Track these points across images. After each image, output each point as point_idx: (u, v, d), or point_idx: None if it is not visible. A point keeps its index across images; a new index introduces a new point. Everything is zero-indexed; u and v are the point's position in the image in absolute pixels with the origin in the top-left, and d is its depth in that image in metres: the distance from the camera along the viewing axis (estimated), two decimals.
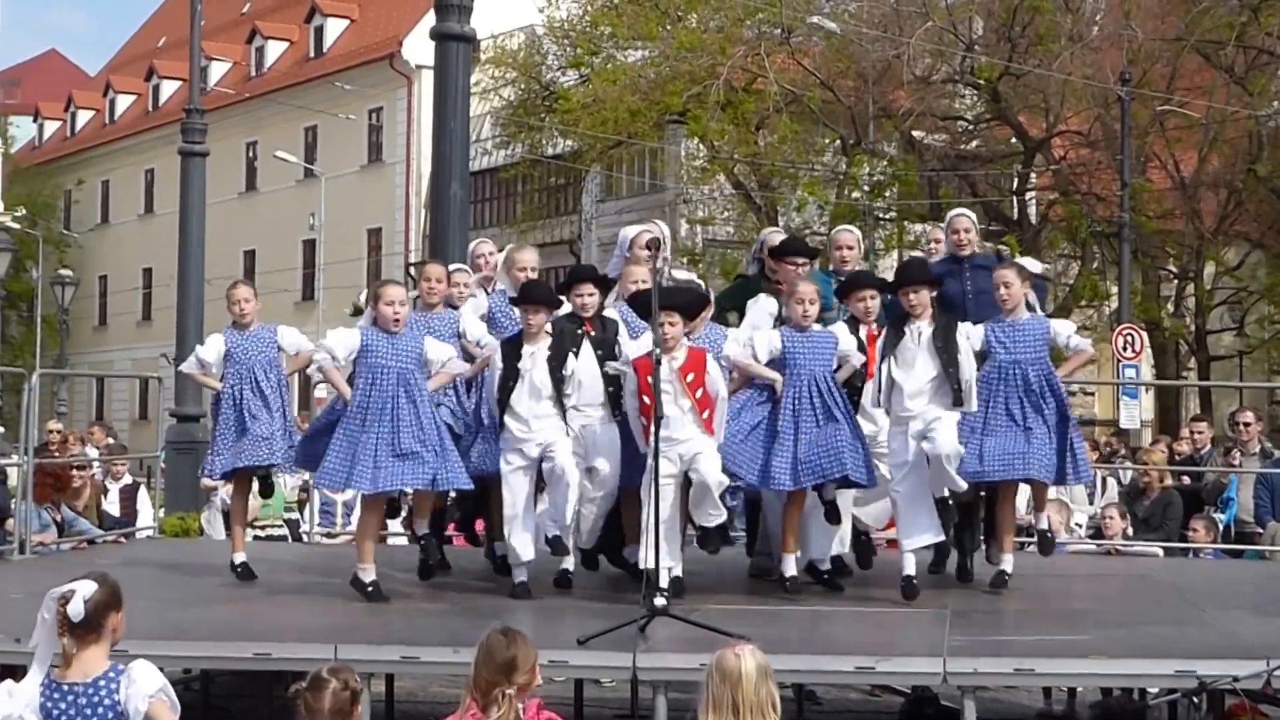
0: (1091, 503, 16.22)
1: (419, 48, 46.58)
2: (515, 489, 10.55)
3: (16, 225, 45.59)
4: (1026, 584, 11.21)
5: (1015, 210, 38.64)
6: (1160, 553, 14.67)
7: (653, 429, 9.54)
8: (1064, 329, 10.97)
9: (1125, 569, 13.32)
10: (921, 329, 10.47)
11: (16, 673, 6.18)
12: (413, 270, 45.58)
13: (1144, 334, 31.63)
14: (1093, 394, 47.09)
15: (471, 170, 40.38)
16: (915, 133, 37.28)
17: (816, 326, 10.66)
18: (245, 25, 62.03)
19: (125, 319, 65.33)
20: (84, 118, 71.67)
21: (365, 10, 57.47)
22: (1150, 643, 9.17)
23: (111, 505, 16.61)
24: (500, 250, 12.19)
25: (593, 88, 39.80)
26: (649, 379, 9.75)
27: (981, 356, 10.71)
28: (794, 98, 36.27)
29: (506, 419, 10.50)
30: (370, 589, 10.48)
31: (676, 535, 10.33)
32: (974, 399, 10.46)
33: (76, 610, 5.76)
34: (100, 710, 5.75)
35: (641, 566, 9.92)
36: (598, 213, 46.44)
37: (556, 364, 10.47)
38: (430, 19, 15.19)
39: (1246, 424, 15.65)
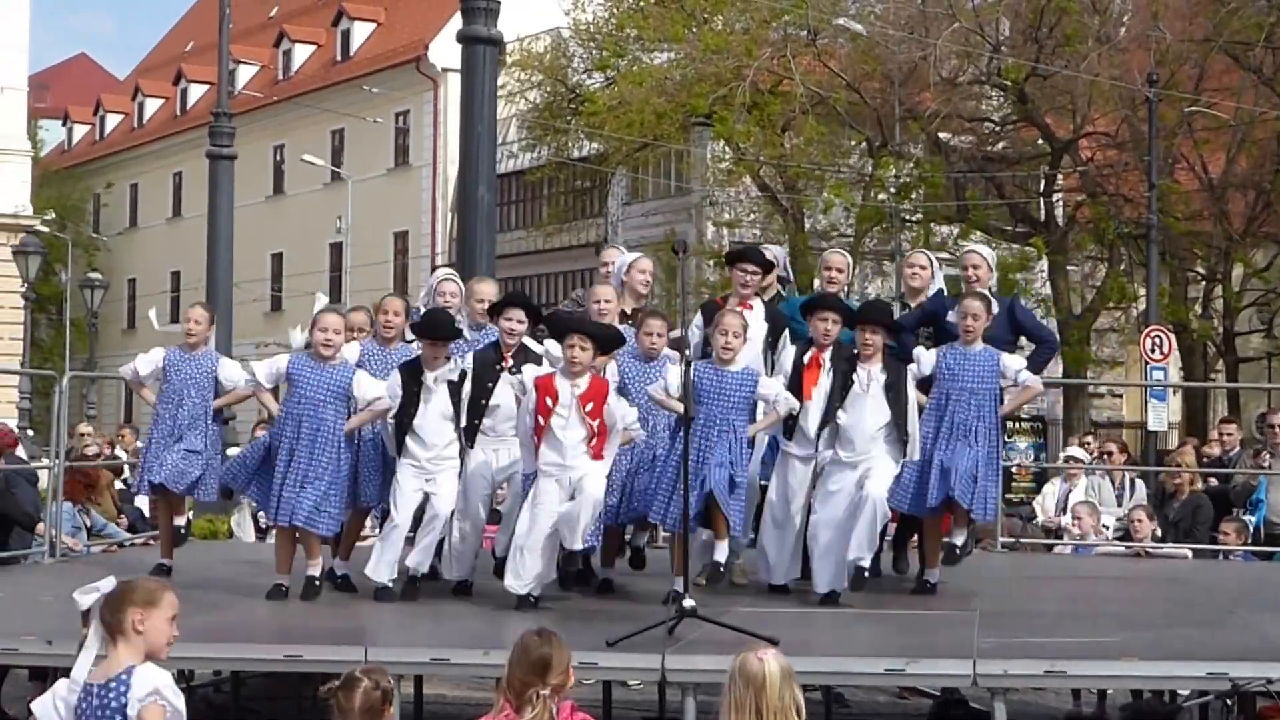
0: (1120, 505, 16.19)
1: (445, 51, 46.61)
2: (404, 506, 10.50)
3: (46, 228, 45.72)
4: (1055, 586, 11.21)
5: (1042, 212, 38.52)
6: (1190, 555, 14.63)
7: (684, 433, 9.50)
8: (1014, 363, 10.82)
9: (1154, 571, 13.28)
10: (872, 373, 10.39)
11: (50, 674, 6.23)
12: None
13: (1172, 336, 31.48)
14: (1120, 396, 47.01)
15: (498, 173, 40.34)
16: (942, 134, 37.17)
17: (738, 365, 10.30)
18: (273, 29, 62.18)
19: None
20: (113, 121, 71.94)
21: (392, 14, 57.57)
22: (1182, 645, 9.15)
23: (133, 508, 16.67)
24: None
25: (618, 90, 39.80)
26: (547, 400, 9.78)
27: (929, 381, 10.67)
28: (820, 99, 36.21)
29: (408, 440, 10.47)
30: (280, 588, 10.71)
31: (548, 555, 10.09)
32: (917, 450, 10.44)
33: (83, 601, 5.79)
34: (107, 712, 5.73)
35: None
36: (623, 215, 46.48)
37: (477, 395, 10.49)
38: (456, 22, 15.18)
39: (1275, 426, 15.59)
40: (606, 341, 10.21)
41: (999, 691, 8.36)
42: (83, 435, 19.23)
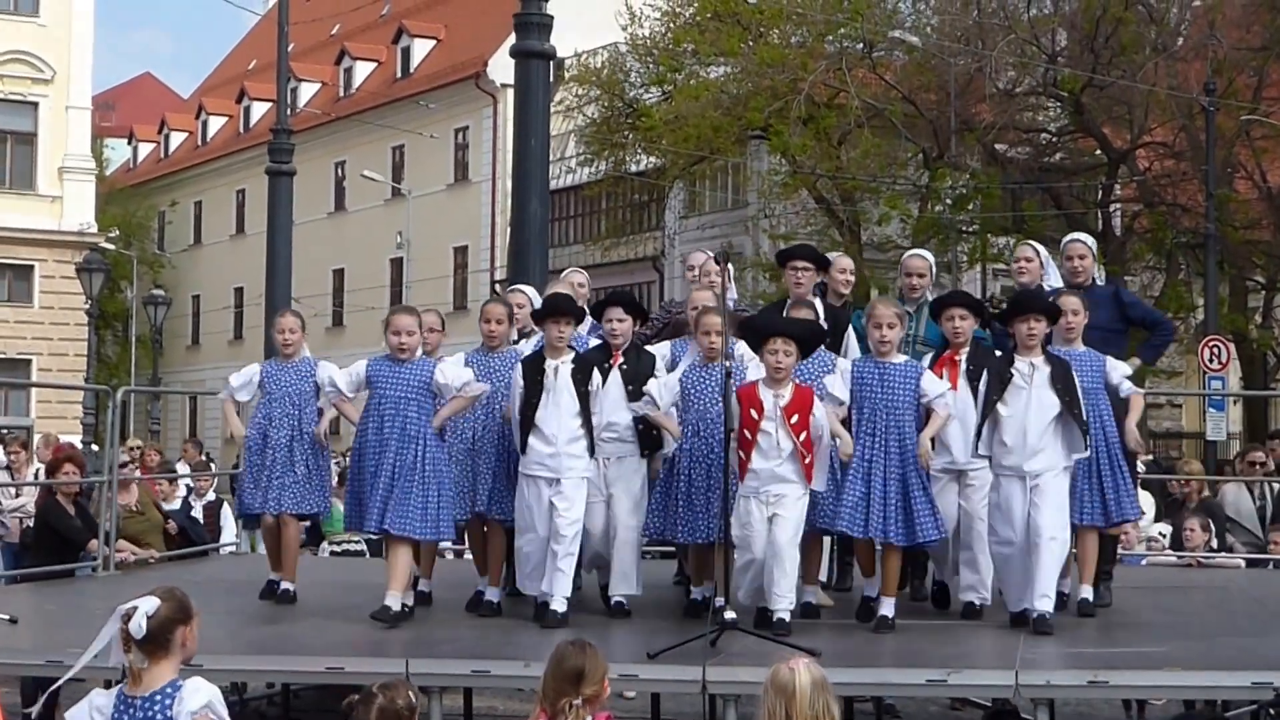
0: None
1: (504, 67, 46.65)
2: (533, 518, 10.03)
3: (111, 245, 46.24)
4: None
5: (1099, 222, 38.33)
6: (1242, 564, 14.57)
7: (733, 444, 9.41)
8: (1120, 369, 10.31)
9: (1204, 581, 13.22)
10: (1035, 364, 9.76)
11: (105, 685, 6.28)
12: (498, 288, 45.84)
13: (1231, 345, 31.32)
14: (1180, 406, 46.66)
15: (556, 187, 40.29)
16: (998, 145, 37.05)
17: (898, 358, 9.85)
18: (334, 46, 62.60)
19: (217, 338, 66.06)
20: (177, 139, 72.57)
21: (451, 31, 57.89)
22: (1228, 654, 9.13)
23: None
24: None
25: (675, 104, 39.85)
26: (752, 412, 9.32)
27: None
28: (876, 112, 36.17)
29: (531, 439, 9.90)
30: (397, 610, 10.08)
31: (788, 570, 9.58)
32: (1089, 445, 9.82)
33: (137, 627, 5.70)
34: None
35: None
36: (681, 229, 46.52)
37: (581, 378, 9.91)
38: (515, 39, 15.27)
39: None
40: (809, 340, 9.70)
41: (1042, 702, 8.39)
42: (131, 450, 19.38)
